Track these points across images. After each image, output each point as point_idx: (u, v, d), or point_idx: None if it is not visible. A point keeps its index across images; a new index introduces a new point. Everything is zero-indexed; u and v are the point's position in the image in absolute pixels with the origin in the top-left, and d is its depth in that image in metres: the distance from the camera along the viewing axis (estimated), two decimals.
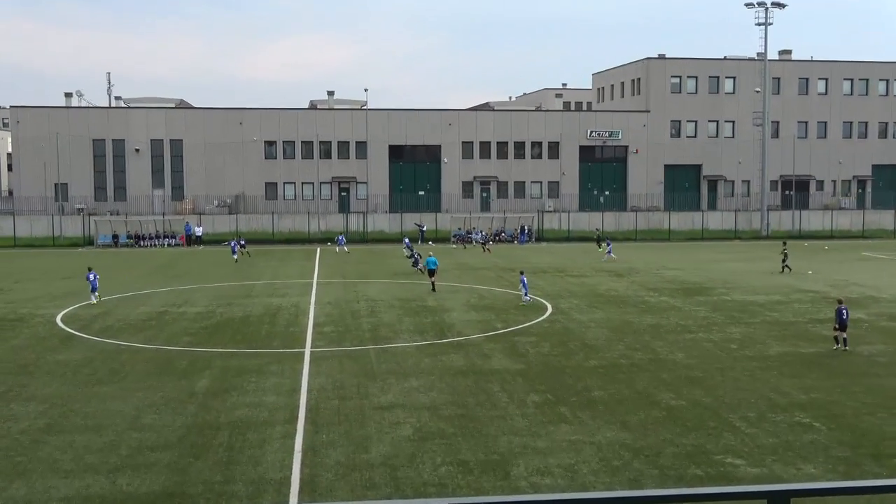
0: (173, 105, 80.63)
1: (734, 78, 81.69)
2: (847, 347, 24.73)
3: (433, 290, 37.21)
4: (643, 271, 45.80)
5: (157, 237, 65.66)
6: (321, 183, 77.10)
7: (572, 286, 39.84)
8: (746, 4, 72.02)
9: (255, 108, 77.69)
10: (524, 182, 79.88)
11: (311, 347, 25.62)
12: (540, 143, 79.83)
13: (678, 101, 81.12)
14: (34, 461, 15.45)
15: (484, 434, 16.97)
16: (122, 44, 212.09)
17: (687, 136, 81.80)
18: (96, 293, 34.55)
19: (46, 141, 72.05)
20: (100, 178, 74.91)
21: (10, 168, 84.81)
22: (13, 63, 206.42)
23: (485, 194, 79.68)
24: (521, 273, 35.93)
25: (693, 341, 26.47)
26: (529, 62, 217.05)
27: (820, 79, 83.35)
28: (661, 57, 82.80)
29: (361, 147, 77.40)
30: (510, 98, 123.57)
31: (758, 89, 76.06)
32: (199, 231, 65.81)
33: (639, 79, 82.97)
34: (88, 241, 64.92)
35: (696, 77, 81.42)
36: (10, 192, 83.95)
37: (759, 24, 72.26)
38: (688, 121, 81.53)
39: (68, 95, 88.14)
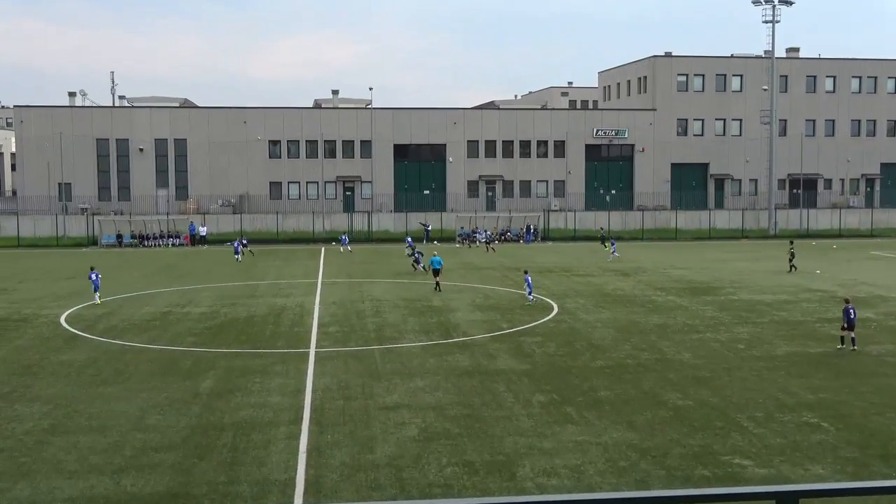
0: (177, 104, 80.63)
1: (741, 76, 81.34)
2: (855, 347, 24.58)
3: (438, 290, 37.08)
4: (650, 270, 45.64)
5: (161, 237, 65.68)
6: (326, 182, 77.04)
7: (578, 286, 39.70)
8: (753, 2, 71.70)
9: (260, 108, 77.64)
10: (530, 181, 79.68)
11: (316, 348, 25.56)
12: (546, 142, 79.63)
13: (685, 99, 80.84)
14: (38, 462, 15.43)
15: (490, 434, 16.88)
16: (125, 43, 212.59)
17: (694, 135, 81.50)
18: (97, 293, 34.51)
19: (50, 140, 72.12)
20: (103, 177, 74.94)
21: (13, 168, 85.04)
22: (17, 62, 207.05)
23: (490, 193, 79.53)
24: (526, 273, 35.74)
25: (700, 341, 26.33)
26: (535, 60, 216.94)
27: (828, 76, 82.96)
28: (668, 55, 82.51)
29: (366, 146, 77.31)
30: (516, 97, 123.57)
31: (765, 87, 75.74)
32: (203, 231, 65.81)
33: (645, 77, 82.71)
34: (92, 241, 64.96)
35: (703, 75, 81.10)
36: (14, 192, 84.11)
37: (766, 22, 72.00)
38: (694, 119, 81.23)
39: (72, 95, 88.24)
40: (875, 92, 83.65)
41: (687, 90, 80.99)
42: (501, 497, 3.74)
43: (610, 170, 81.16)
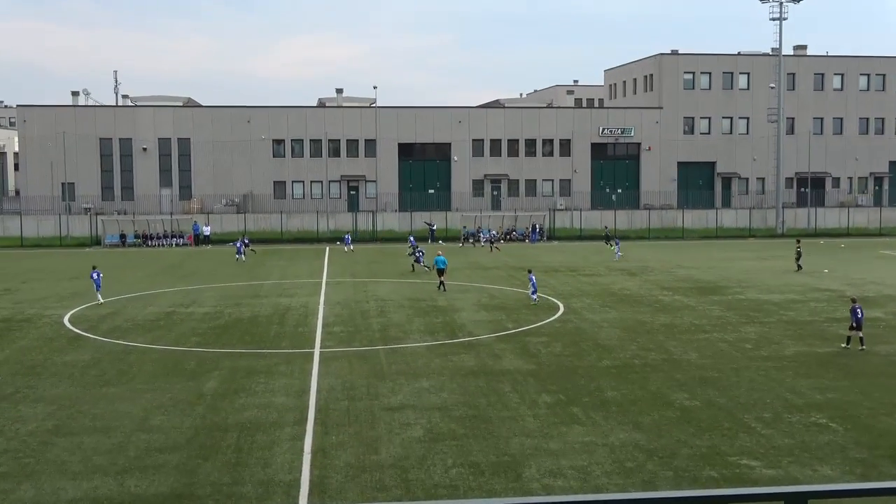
0: (181, 103, 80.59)
1: (748, 74, 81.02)
2: (864, 347, 24.40)
3: (443, 289, 36.96)
4: (656, 270, 45.47)
5: (165, 237, 65.66)
6: (330, 181, 77.00)
7: (584, 285, 39.56)
8: None
9: (264, 107, 77.62)
10: (535, 180, 79.51)
11: (321, 348, 25.47)
12: (551, 141, 79.46)
13: (691, 97, 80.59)
14: (42, 463, 15.38)
15: (495, 435, 16.78)
16: (129, 42, 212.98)
17: (700, 133, 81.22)
18: (99, 292, 34.47)
19: (53, 140, 72.17)
20: (107, 177, 74.98)
21: (17, 168, 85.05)
22: (20, 62, 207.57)
23: (495, 192, 79.38)
24: (530, 272, 35.55)
25: (707, 341, 26.18)
26: (540, 59, 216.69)
27: (836, 74, 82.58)
28: (674, 53, 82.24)
29: (370, 145, 77.24)
30: (521, 95, 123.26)
31: (772, 85, 75.42)
32: (206, 230, 65.81)
33: (651, 75, 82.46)
34: (96, 241, 64.99)
35: (710, 73, 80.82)
36: (17, 192, 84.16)
37: (773, 19, 71.72)
38: (701, 117, 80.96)
39: (75, 94, 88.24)
40: (883, 90, 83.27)
41: (694, 88, 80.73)
42: (507, 498, 3.63)
43: (616, 168, 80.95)
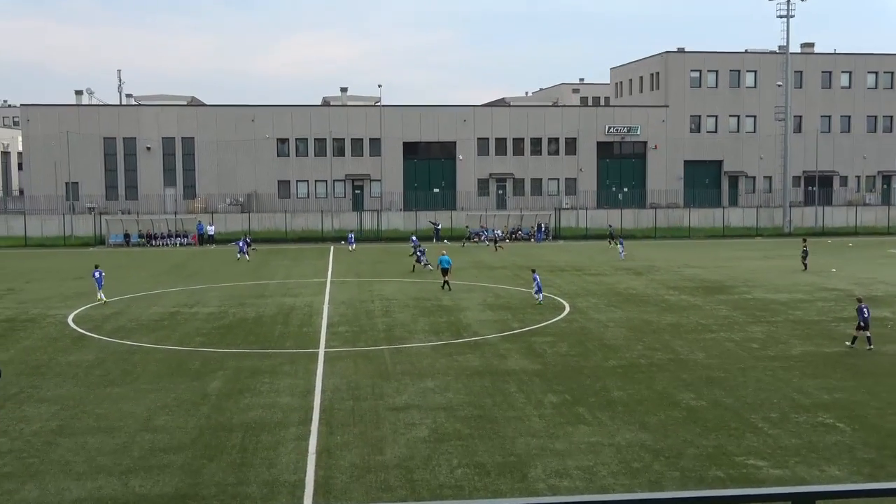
0: (185, 103, 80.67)
1: (755, 72, 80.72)
2: (871, 346, 24.25)
3: (448, 288, 36.87)
4: (663, 269, 45.33)
5: (169, 236, 65.68)
6: (334, 181, 76.94)
7: (590, 285, 39.45)
8: None
9: (268, 106, 77.58)
10: (541, 179, 79.35)
11: (325, 348, 25.42)
12: (557, 140, 79.31)
13: (698, 95, 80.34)
14: (46, 463, 15.36)
15: (501, 435, 16.70)
16: (132, 41, 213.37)
17: (707, 132, 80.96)
18: (101, 290, 34.47)
19: (57, 139, 72.23)
20: (111, 176, 75.04)
21: (20, 167, 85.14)
22: (23, 61, 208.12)
23: (501, 191, 79.25)
24: (534, 271, 35.43)
25: (714, 341, 26.06)
26: (546, 57, 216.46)
27: (843, 72, 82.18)
28: (681, 51, 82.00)
29: (375, 144, 77.17)
30: (526, 93, 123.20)
31: (780, 83, 75.16)
32: (211, 230, 65.81)
33: (657, 73, 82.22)
34: (100, 241, 65.04)
35: (717, 71, 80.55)
36: (21, 192, 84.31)
37: (780, 17, 71.45)
38: (708, 116, 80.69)
39: (79, 93, 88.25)
40: (892, 87, 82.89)
41: (700, 86, 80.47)
42: (513, 499, 3.56)
43: (622, 167, 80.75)
